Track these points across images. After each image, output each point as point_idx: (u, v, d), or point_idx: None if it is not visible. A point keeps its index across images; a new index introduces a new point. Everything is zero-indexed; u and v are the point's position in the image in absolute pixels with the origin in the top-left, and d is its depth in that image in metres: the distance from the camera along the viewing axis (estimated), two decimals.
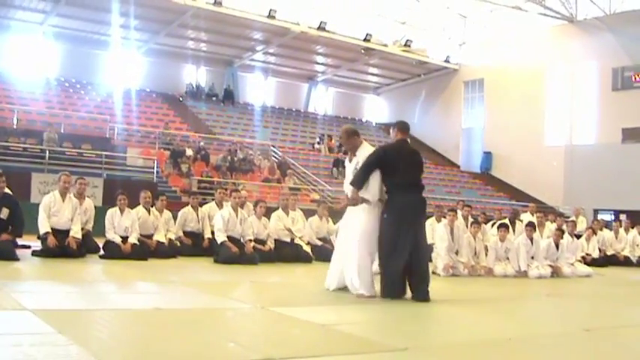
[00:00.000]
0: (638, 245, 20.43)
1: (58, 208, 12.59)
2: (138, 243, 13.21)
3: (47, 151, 23.75)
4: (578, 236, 18.17)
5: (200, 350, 5.05)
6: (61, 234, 12.41)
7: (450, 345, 5.93)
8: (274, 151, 35.53)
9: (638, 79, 36.65)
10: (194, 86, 42.84)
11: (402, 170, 8.91)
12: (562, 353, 5.91)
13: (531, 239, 14.43)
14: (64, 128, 28.75)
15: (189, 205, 15.60)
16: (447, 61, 46.03)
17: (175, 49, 41.46)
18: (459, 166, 44.73)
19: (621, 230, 20.84)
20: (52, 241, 12.17)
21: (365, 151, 9.24)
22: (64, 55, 39.02)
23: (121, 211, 13.35)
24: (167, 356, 4.74)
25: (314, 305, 8.05)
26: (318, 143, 39.70)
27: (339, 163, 34.90)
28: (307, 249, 15.45)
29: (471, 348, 5.81)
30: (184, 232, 15.10)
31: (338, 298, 9.01)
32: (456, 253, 13.70)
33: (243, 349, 5.19)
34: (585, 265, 16.06)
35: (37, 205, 12.94)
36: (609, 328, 7.50)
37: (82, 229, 13.04)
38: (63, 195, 12.73)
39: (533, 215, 18.87)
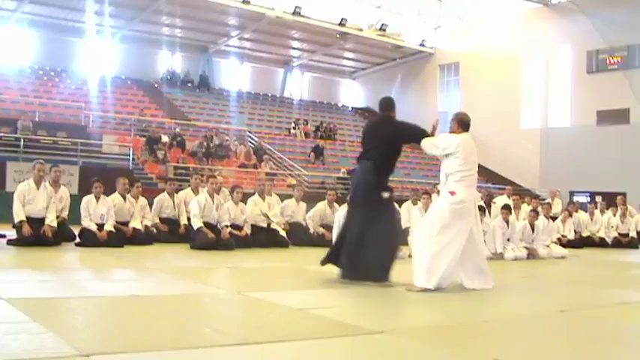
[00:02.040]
0: (613, 227, 20.55)
1: (32, 197, 12.52)
2: (114, 230, 13.15)
3: (22, 140, 23.56)
4: (554, 218, 18.27)
5: (176, 336, 5.05)
6: (36, 222, 12.35)
7: (425, 327, 5.96)
8: (250, 137, 35.49)
9: (612, 61, 36.80)
10: (169, 73, 42.59)
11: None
12: (537, 334, 5.94)
13: (507, 222, 14.52)
14: (39, 116, 28.58)
15: (165, 192, 15.55)
16: (422, 45, 46.02)
17: (150, 36, 41.24)
18: None
19: (597, 212, 20.96)
20: (27, 229, 12.11)
21: None
22: (38, 43, 38.81)
23: (97, 198, 13.27)
24: (143, 343, 4.74)
25: (290, 290, 8.07)
26: (294, 128, 39.63)
27: (315, 148, 34.99)
28: (284, 234, 15.47)
29: (447, 330, 5.84)
30: (160, 219, 15.07)
31: (314, 282, 9.03)
32: None
33: (219, 334, 5.19)
34: (561, 247, 16.16)
35: (12, 193, 12.85)
36: (584, 308, 7.56)
37: (58, 217, 12.96)
38: (38, 183, 12.66)
39: (509, 198, 18.94)
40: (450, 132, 9.18)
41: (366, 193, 8.94)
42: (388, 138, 9.10)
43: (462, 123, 9.15)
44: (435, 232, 8.24)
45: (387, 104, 9.53)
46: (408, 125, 9.47)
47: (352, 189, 9.52)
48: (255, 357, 4.54)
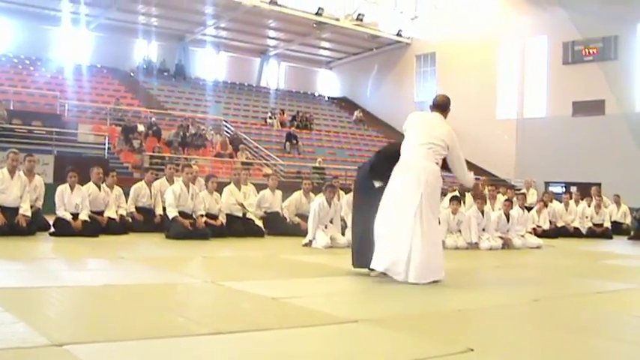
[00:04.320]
0: (587, 217, 20.69)
1: (6, 186, 12.47)
2: (89, 220, 13.13)
3: None
4: (529, 208, 18.35)
5: (149, 325, 5.03)
6: (10, 212, 12.31)
7: (400, 317, 5.96)
8: (226, 126, 35.44)
9: (588, 53, 36.95)
10: (145, 62, 42.38)
11: None
12: (511, 323, 5.97)
13: (482, 212, 14.57)
14: (14, 105, 28.42)
15: (143, 181, 15.55)
16: (399, 35, 46.00)
17: (126, 24, 40.87)
18: None
19: (571, 202, 21.06)
20: (0, 218, 12.04)
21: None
22: (13, 31, 38.47)
23: (71, 187, 13.24)
24: (116, 332, 4.71)
25: (265, 279, 8.05)
26: (271, 118, 39.59)
27: (291, 137, 34.99)
28: (259, 223, 15.49)
29: (422, 319, 5.85)
30: (136, 208, 15.05)
31: (288, 271, 9.05)
32: None
33: (193, 323, 5.17)
34: (536, 237, 16.25)
35: None
36: (557, 297, 7.58)
37: (32, 206, 12.93)
38: (11, 172, 12.60)
39: (484, 188, 19.00)
40: None
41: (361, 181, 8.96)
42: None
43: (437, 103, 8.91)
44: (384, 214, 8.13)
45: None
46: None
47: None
48: (229, 346, 4.53)
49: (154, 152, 27.20)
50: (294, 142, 35.26)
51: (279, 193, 16.58)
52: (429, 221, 7.93)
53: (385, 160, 8.58)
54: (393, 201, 8.08)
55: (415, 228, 7.79)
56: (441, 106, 8.77)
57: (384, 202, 8.11)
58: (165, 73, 42.51)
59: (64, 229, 12.77)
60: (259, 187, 16.92)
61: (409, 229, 7.81)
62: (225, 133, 34.03)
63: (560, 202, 21.36)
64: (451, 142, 8.42)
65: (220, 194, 15.20)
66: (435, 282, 7.81)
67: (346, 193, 14.83)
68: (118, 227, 13.95)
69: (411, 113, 8.98)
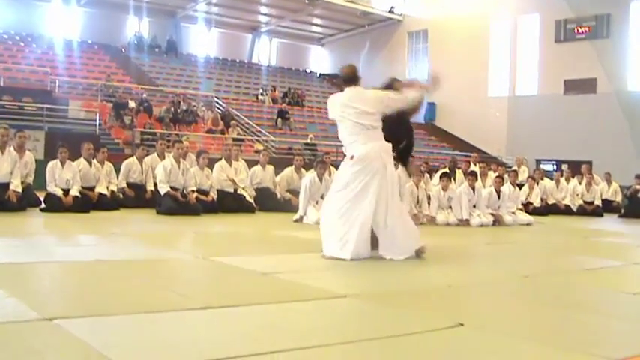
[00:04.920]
0: (578, 195, 20.73)
1: None
2: (79, 195, 13.11)
3: None
4: (520, 186, 18.38)
5: (140, 300, 5.03)
6: (0, 188, 12.29)
7: (390, 292, 5.97)
8: (218, 103, 35.38)
9: (580, 31, 37.01)
10: (137, 38, 42.20)
11: None
12: (501, 298, 5.99)
13: (473, 188, 14.59)
14: (4, 81, 28.35)
15: (134, 157, 15.54)
16: (391, 11, 45.96)
17: (117, 0, 40.72)
18: None
19: (562, 180, 21.10)
20: None
21: None
22: (3, 7, 38.21)
23: (62, 163, 13.22)
24: (107, 307, 4.72)
25: (256, 255, 8.06)
26: (262, 94, 39.53)
27: (282, 114, 34.97)
28: (250, 199, 15.50)
29: (410, 295, 5.87)
30: (127, 184, 15.06)
31: (279, 247, 9.07)
32: None
33: (184, 298, 5.18)
34: (526, 214, 16.28)
35: None
36: (547, 274, 7.62)
37: (23, 182, 12.94)
38: (2, 149, 12.61)
39: (475, 165, 19.04)
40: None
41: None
42: None
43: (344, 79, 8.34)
44: (338, 197, 7.90)
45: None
46: None
47: None
48: (220, 320, 4.54)
49: (145, 128, 27.12)
50: (286, 118, 35.23)
51: (270, 168, 16.59)
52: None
53: None
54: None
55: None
56: (353, 79, 8.26)
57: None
58: (157, 50, 42.29)
59: (54, 204, 12.77)
60: (250, 164, 16.92)
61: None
62: (216, 109, 33.97)
63: (551, 179, 21.41)
64: (375, 103, 8.02)
65: (211, 170, 15.20)
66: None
67: (337, 169, 14.83)
68: (109, 203, 13.95)
69: (330, 100, 8.51)
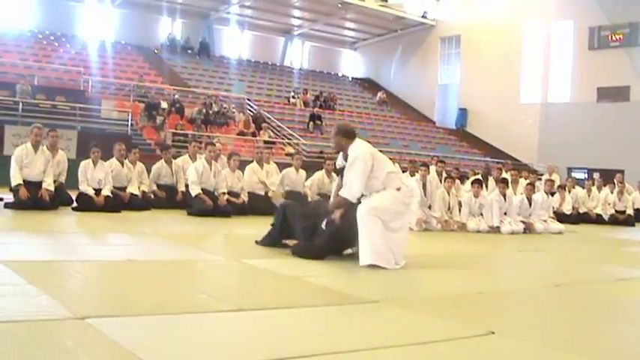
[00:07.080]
0: (610, 204, 20.58)
1: (30, 160, 12.52)
2: (111, 195, 13.17)
3: (20, 104, 23.47)
4: (552, 193, 18.28)
5: (171, 301, 5.05)
6: (33, 186, 12.36)
7: (420, 298, 5.97)
8: (249, 105, 35.40)
9: (614, 38, 36.78)
10: (170, 39, 42.38)
11: None
12: (532, 307, 5.97)
13: (504, 195, 14.51)
14: (38, 80, 28.45)
15: (162, 160, 15.56)
16: (424, 16, 45.87)
17: (151, 2, 40.90)
18: (434, 122, 44.82)
19: (594, 189, 20.97)
20: (23, 193, 12.11)
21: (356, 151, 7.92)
22: (38, 7, 38.47)
23: (94, 163, 13.28)
24: (137, 306, 4.74)
25: (286, 258, 8.05)
26: (294, 97, 39.53)
27: (315, 117, 34.94)
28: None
29: (441, 301, 5.84)
30: (158, 185, 15.10)
31: None
32: (429, 207, 13.85)
33: (215, 299, 5.19)
34: (558, 222, 16.17)
35: (10, 157, 12.87)
36: (579, 283, 7.57)
37: (55, 181, 13.00)
38: (35, 147, 12.66)
39: (507, 172, 18.94)
40: (337, 150, 8.33)
41: None
42: None
43: (346, 134, 8.08)
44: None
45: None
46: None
47: None
48: (250, 323, 4.54)
49: (176, 129, 27.19)
50: (318, 122, 35.21)
51: (302, 172, 16.52)
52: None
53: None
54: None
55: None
56: (352, 133, 8.15)
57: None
58: (189, 51, 42.46)
59: (86, 203, 12.83)
60: (281, 167, 16.91)
61: None
62: (248, 111, 33.97)
63: (583, 188, 21.27)
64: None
65: (242, 172, 15.22)
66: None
67: None
68: (140, 203, 13.99)
69: (366, 151, 7.91)
